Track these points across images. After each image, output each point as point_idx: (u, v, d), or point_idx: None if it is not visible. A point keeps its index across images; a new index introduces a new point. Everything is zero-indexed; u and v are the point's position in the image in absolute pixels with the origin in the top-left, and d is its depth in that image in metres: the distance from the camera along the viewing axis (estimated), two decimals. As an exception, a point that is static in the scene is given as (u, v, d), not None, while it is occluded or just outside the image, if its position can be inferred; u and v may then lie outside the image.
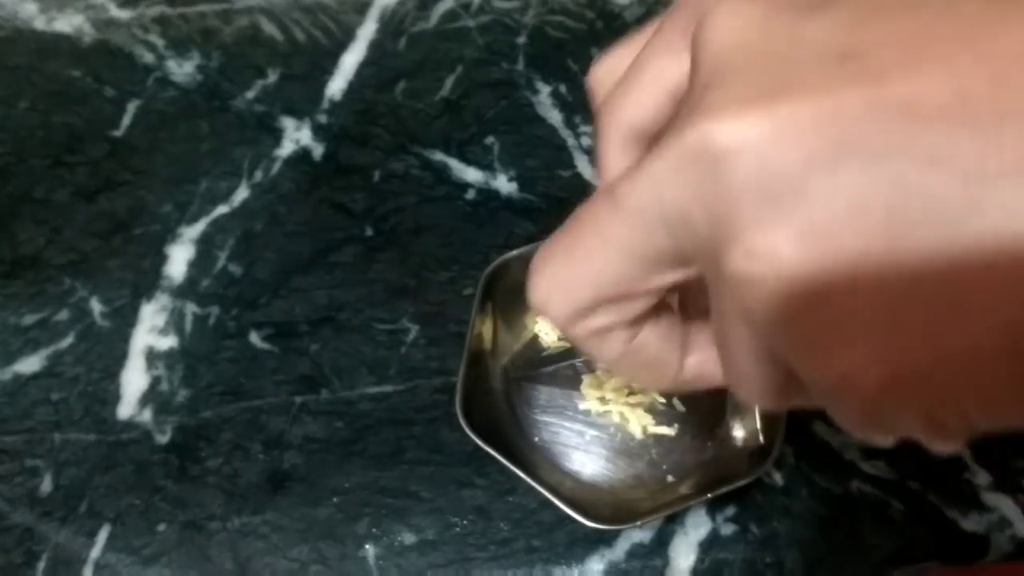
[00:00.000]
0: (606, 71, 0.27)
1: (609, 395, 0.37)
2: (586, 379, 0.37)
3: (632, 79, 0.25)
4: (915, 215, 0.13)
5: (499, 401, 0.37)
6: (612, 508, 0.34)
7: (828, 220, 0.14)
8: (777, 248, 0.14)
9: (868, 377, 0.14)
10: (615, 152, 0.26)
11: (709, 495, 0.33)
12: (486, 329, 0.38)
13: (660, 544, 0.36)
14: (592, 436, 0.37)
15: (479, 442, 0.33)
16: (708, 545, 0.36)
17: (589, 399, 0.37)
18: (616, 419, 0.37)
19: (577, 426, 0.37)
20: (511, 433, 0.37)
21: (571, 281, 0.19)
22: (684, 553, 0.36)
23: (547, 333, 0.38)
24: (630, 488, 0.36)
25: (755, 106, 0.15)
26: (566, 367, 0.36)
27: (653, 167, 0.16)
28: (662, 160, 0.16)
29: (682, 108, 0.17)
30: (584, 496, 0.34)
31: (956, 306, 0.13)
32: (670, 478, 0.36)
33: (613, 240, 0.18)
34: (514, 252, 0.38)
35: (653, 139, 0.26)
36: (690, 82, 0.17)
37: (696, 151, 0.15)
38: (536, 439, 0.37)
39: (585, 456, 0.37)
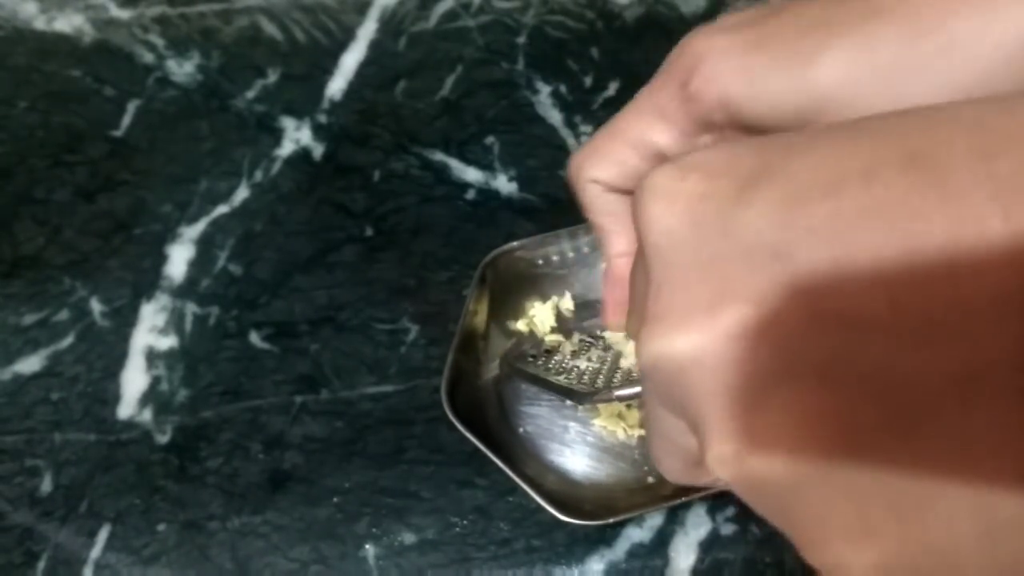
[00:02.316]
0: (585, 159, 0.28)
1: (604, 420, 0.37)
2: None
3: (608, 135, 0.27)
4: (870, 421, 0.13)
5: (487, 391, 0.38)
6: (591, 504, 0.34)
7: (787, 429, 0.14)
8: (741, 457, 0.14)
9: (855, 569, 0.14)
10: (598, 206, 0.28)
11: (683, 499, 0.33)
12: (480, 319, 0.38)
13: (660, 544, 0.36)
14: (577, 432, 0.37)
15: (460, 427, 0.34)
16: (708, 545, 0.36)
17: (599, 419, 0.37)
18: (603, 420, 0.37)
19: (563, 421, 0.37)
20: (497, 423, 0.37)
21: None
22: (684, 553, 0.36)
23: (542, 322, 0.38)
24: (611, 486, 0.36)
25: (698, 318, 0.15)
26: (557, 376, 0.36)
27: (639, 356, 0.17)
28: (639, 361, 0.17)
29: (642, 303, 0.17)
30: (564, 490, 0.35)
31: (925, 500, 0.13)
32: (651, 479, 0.36)
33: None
34: (513, 244, 0.38)
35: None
36: (645, 269, 0.17)
37: (651, 363, 0.16)
38: (521, 430, 0.37)
39: (569, 451, 0.37)
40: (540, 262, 0.39)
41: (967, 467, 0.13)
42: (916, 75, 0.22)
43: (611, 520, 0.33)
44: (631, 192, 0.27)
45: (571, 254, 0.39)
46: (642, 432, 0.37)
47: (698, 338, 0.15)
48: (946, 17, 0.21)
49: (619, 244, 0.29)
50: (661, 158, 0.26)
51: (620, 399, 0.28)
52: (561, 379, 0.33)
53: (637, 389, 0.27)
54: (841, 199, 0.14)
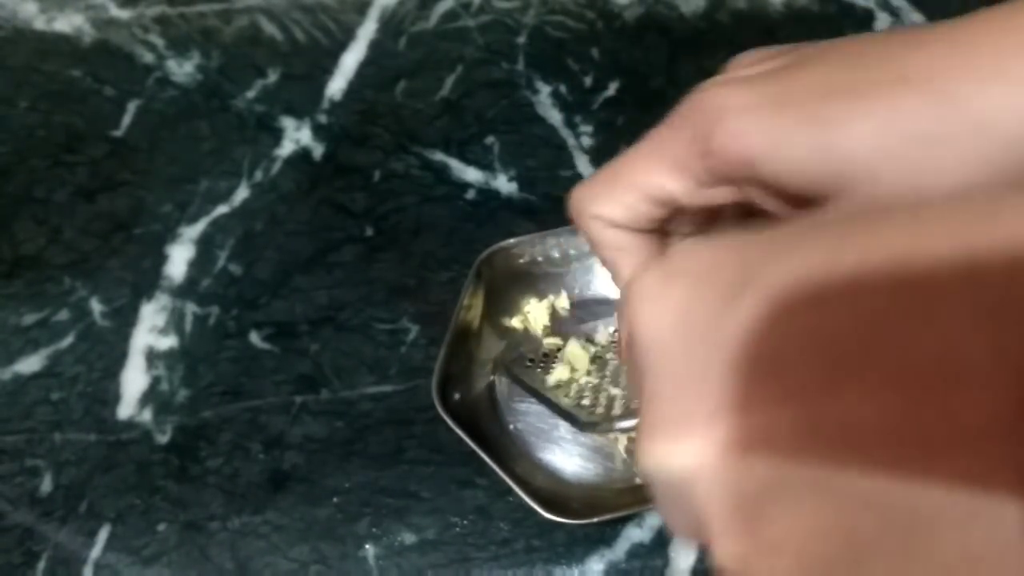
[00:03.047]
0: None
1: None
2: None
3: (613, 175, 0.26)
4: (870, 534, 0.13)
5: (480, 388, 0.38)
6: (579, 503, 0.34)
7: (789, 539, 0.14)
8: (748, 560, 0.15)
9: None
10: (604, 238, 0.27)
11: None
12: (474, 315, 0.38)
13: (660, 544, 0.36)
14: (567, 430, 0.37)
15: (449, 422, 0.34)
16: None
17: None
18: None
19: (554, 419, 0.37)
20: (488, 420, 0.37)
21: None
22: (684, 553, 0.36)
23: (536, 320, 0.38)
24: (599, 485, 0.36)
25: (693, 432, 0.15)
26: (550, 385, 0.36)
27: (639, 462, 0.17)
28: (640, 467, 0.18)
29: (640, 400, 0.18)
30: (553, 488, 0.35)
31: None
32: (639, 479, 0.36)
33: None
34: (510, 240, 0.38)
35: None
36: (639, 367, 0.18)
37: (651, 471, 0.16)
38: (512, 427, 0.37)
39: (559, 449, 0.37)
40: (539, 259, 0.39)
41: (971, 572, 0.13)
42: (943, 147, 0.21)
43: (595, 519, 0.33)
44: (635, 229, 0.27)
45: (571, 251, 0.39)
46: (624, 440, 0.37)
47: (694, 452, 0.15)
48: (976, 89, 0.21)
49: (627, 277, 0.28)
50: (670, 204, 0.26)
51: (622, 431, 0.28)
52: (560, 395, 0.33)
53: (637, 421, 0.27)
54: (824, 312, 0.14)
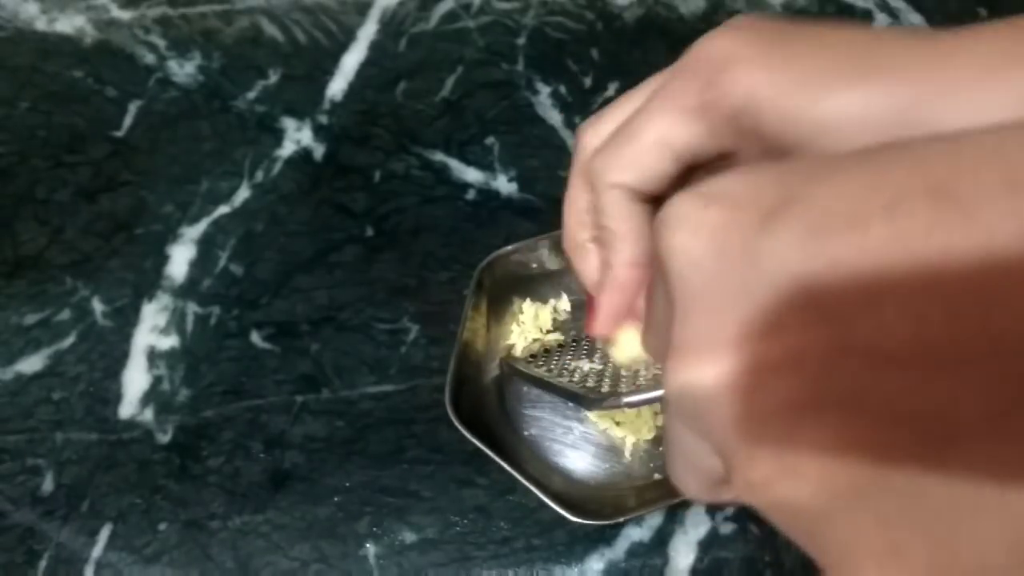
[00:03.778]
0: (595, 133, 0.28)
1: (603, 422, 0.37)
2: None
3: (633, 140, 0.26)
4: (899, 450, 0.13)
5: (490, 395, 0.38)
6: (598, 504, 0.34)
7: (816, 457, 0.14)
8: (770, 484, 0.15)
9: None
10: (620, 213, 0.27)
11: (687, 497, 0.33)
12: (479, 323, 0.38)
13: (660, 543, 0.36)
14: (580, 432, 0.37)
15: (466, 433, 0.34)
16: (708, 544, 0.36)
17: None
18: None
19: (566, 422, 0.37)
20: (500, 427, 0.37)
21: None
22: (684, 552, 0.36)
23: (539, 321, 0.38)
24: (616, 485, 0.36)
25: (726, 349, 0.15)
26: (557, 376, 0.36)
27: (666, 384, 0.17)
28: (666, 390, 0.17)
29: (666, 328, 0.17)
30: (571, 491, 0.35)
31: (955, 526, 0.13)
32: (656, 476, 0.36)
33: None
34: (509, 247, 0.38)
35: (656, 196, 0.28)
36: (668, 294, 0.17)
37: (678, 391, 0.16)
38: (526, 433, 0.37)
39: (573, 452, 0.37)
40: (535, 265, 0.39)
41: (998, 494, 0.13)
42: (933, 124, 0.22)
43: (621, 519, 0.33)
44: (651, 199, 0.27)
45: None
46: (633, 438, 0.37)
47: (726, 368, 0.15)
48: (968, 83, 0.22)
49: (629, 252, 0.28)
50: (686, 159, 0.26)
51: (629, 406, 0.28)
52: (565, 381, 0.33)
53: (645, 396, 0.27)
54: (866, 231, 0.14)
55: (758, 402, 0.15)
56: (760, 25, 0.24)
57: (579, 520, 0.33)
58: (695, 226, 0.16)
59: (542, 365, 0.36)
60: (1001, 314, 0.13)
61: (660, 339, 0.19)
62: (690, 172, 0.27)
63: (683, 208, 0.17)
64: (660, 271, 0.18)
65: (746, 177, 0.17)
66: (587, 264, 0.29)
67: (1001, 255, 0.13)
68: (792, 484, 0.14)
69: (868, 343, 0.14)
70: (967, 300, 0.13)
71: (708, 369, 0.15)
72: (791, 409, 0.14)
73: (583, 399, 0.30)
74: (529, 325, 0.39)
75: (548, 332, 0.39)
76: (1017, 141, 0.14)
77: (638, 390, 0.28)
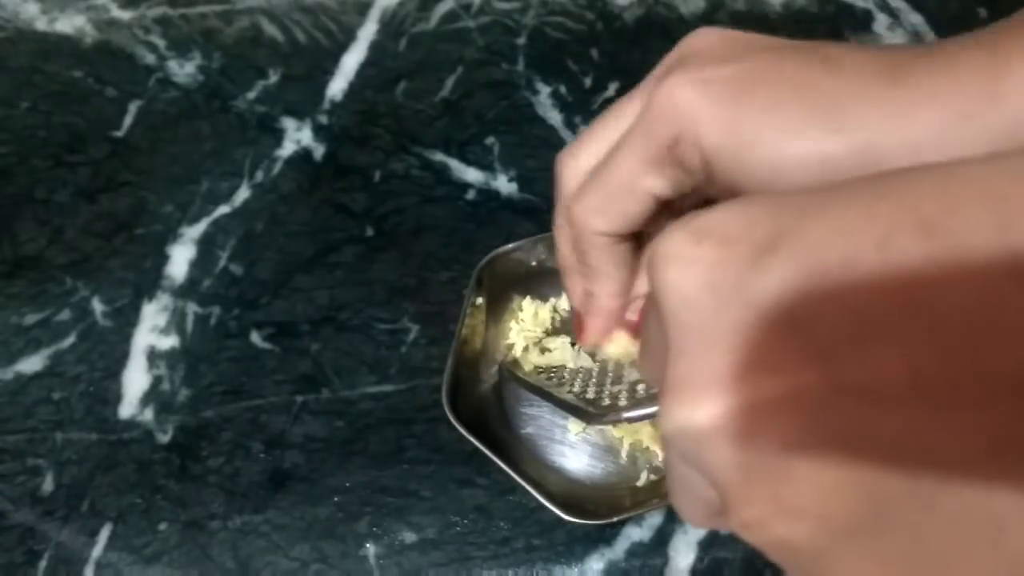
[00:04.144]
0: (575, 167, 0.30)
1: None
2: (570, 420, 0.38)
3: (611, 188, 0.28)
4: (894, 492, 0.13)
5: (487, 394, 0.38)
6: (594, 504, 0.34)
7: (811, 498, 0.14)
8: (766, 524, 0.15)
9: None
10: (600, 256, 0.29)
11: None
12: (477, 323, 0.38)
13: (660, 543, 0.36)
14: (577, 433, 0.37)
15: (463, 431, 0.34)
16: (707, 544, 0.36)
17: (576, 422, 0.37)
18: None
19: (564, 422, 0.37)
20: (498, 425, 0.37)
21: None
22: (684, 552, 0.36)
23: (538, 322, 0.39)
24: (613, 485, 0.36)
25: (720, 389, 0.15)
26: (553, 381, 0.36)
27: (662, 422, 0.17)
28: (662, 427, 0.17)
29: (663, 365, 0.17)
30: (567, 490, 0.35)
31: (952, 568, 0.13)
32: (653, 476, 0.36)
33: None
34: (508, 246, 0.38)
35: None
36: (663, 332, 0.18)
37: (674, 431, 0.16)
38: (523, 432, 0.37)
39: (570, 451, 0.37)
40: (535, 263, 0.39)
41: (993, 533, 0.13)
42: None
43: (615, 519, 0.33)
44: (630, 238, 0.29)
45: None
46: (630, 439, 0.37)
47: (720, 408, 0.15)
48: (885, 140, 0.23)
49: (609, 287, 0.30)
50: (659, 203, 0.28)
51: (629, 420, 0.28)
52: (564, 391, 0.33)
53: (645, 411, 0.27)
54: (857, 268, 0.14)
55: (752, 443, 0.15)
56: (721, 71, 0.25)
57: (575, 520, 0.33)
58: (687, 262, 0.17)
59: (542, 372, 0.36)
60: (992, 353, 0.13)
61: (655, 367, 0.19)
62: (668, 206, 0.29)
63: (675, 245, 0.17)
64: (655, 305, 0.18)
65: (737, 212, 0.17)
66: (574, 287, 0.31)
67: (991, 294, 0.13)
68: (788, 524, 0.14)
69: (861, 383, 0.14)
70: (958, 339, 0.13)
71: (702, 410, 0.15)
72: (785, 449, 0.14)
73: (582, 412, 0.30)
74: (529, 323, 0.39)
75: (547, 332, 0.39)
76: (1006, 172, 0.14)
77: (638, 404, 0.28)
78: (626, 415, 0.27)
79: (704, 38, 0.27)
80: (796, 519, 0.14)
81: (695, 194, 0.28)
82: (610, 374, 0.34)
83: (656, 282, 0.17)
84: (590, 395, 0.32)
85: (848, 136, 0.24)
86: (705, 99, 0.25)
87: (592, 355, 0.36)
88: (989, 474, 0.12)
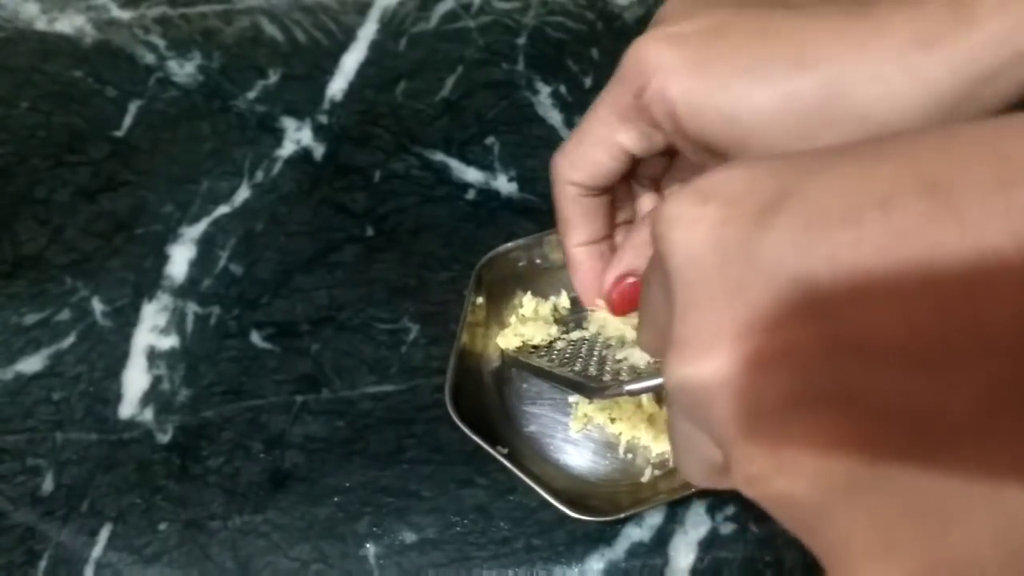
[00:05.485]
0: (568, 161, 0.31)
1: (597, 416, 0.37)
2: (575, 406, 0.38)
3: (583, 140, 0.29)
4: (892, 445, 0.13)
5: (490, 391, 0.38)
6: (598, 500, 0.34)
7: (811, 452, 0.14)
8: (767, 479, 0.15)
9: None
10: (570, 205, 0.31)
11: (689, 492, 0.34)
12: (478, 321, 0.38)
13: (660, 543, 0.36)
14: (579, 430, 0.37)
15: (465, 429, 0.34)
16: (708, 544, 0.36)
17: (577, 419, 0.37)
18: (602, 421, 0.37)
19: (566, 419, 0.37)
20: (500, 423, 0.37)
21: None
22: (684, 552, 0.36)
23: (535, 311, 0.39)
24: (615, 482, 0.36)
25: (723, 344, 0.15)
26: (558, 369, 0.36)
27: (666, 378, 0.17)
28: (665, 383, 0.17)
29: (664, 323, 0.17)
30: (570, 487, 0.35)
31: (948, 520, 0.13)
32: (656, 472, 0.36)
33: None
34: (507, 244, 0.38)
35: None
36: (667, 289, 0.18)
37: (678, 385, 0.16)
38: (525, 430, 0.37)
39: (573, 448, 0.37)
40: (538, 261, 0.39)
41: (990, 489, 0.13)
42: (825, 127, 0.24)
43: (621, 516, 0.33)
44: (602, 191, 0.31)
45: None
46: (628, 435, 0.37)
47: (723, 363, 0.15)
48: (857, 79, 0.23)
49: (579, 236, 0.32)
50: (628, 155, 0.29)
51: (631, 393, 0.28)
52: (567, 371, 0.33)
53: (646, 384, 0.27)
54: (860, 226, 0.14)
55: (754, 398, 0.15)
56: (688, 26, 0.26)
57: (579, 516, 0.33)
58: (693, 223, 0.17)
59: (543, 356, 0.36)
60: (990, 312, 0.13)
61: (657, 335, 0.19)
62: (637, 165, 0.30)
63: (681, 205, 0.17)
64: (659, 267, 0.18)
65: (742, 172, 0.17)
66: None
67: (991, 254, 0.13)
68: (788, 479, 0.14)
69: (860, 339, 0.14)
70: (957, 298, 0.13)
71: (706, 364, 0.15)
72: (786, 405, 0.14)
73: (585, 388, 0.30)
74: (529, 317, 0.39)
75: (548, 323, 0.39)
76: (1011, 135, 0.14)
77: (639, 378, 0.28)
78: (628, 388, 0.27)
79: (671, 3, 0.28)
80: (795, 474, 0.14)
81: (666, 155, 0.29)
82: (609, 353, 0.34)
83: (661, 241, 0.17)
84: (592, 372, 0.32)
85: (811, 70, 0.24)
86: (670, 49, 0.26)
87: (594, 346, 0.36)
88: (986, 430, 0.13)
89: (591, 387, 0.30)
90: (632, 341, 0.35)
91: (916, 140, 0.15)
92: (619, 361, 0.33)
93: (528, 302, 0.39)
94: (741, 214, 0.16)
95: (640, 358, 0.32)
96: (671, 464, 0.36)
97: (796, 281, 0.15)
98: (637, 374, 0.31)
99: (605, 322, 0.36)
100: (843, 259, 0.14)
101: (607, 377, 0.31)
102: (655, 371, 0.30)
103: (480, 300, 0.38)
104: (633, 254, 0.32)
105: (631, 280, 0.32)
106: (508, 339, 0.38)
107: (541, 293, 0.39)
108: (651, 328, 0.21)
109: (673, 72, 0.25)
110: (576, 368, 0.33)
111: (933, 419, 0.13)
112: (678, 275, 0.17)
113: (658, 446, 0.36)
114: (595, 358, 0.34)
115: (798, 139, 0.24)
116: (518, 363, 0.37)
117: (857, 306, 0.14)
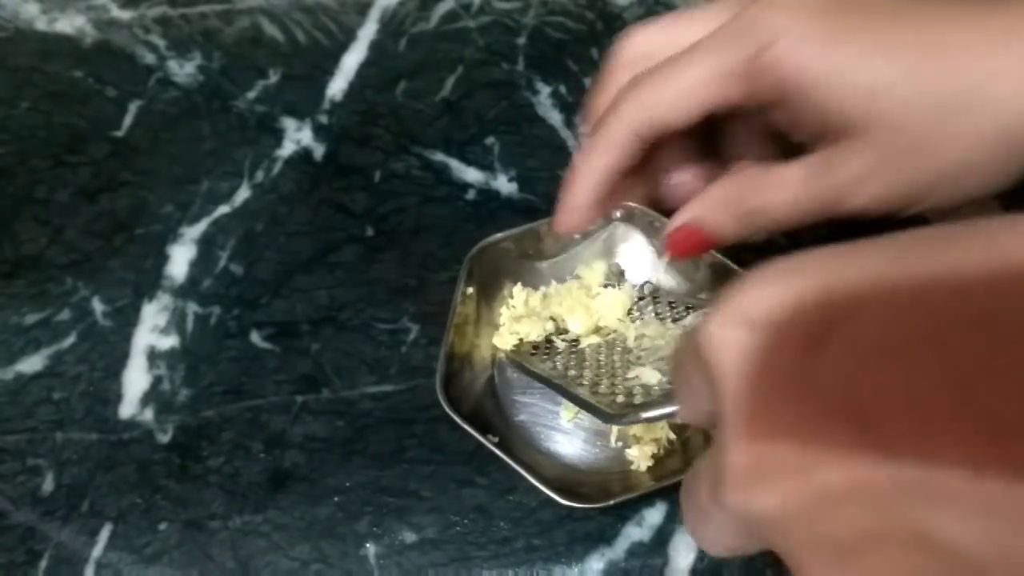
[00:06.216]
0: (643, 48, 0.30)
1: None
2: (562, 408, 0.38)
3: (676, 80, 0.27)
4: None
5: (480, 383, 0.38)
6: (588, 488, 0.35)
7: None
8: None
9: None
10: (617, 136, 0.29)
11: (678, 478, 0.34)
12: (469, 311, 0.38)
13: (660, 543, 0.36)
14: (569, 419, 0.37)
15: (456, 418, 0.34)
16: (708, 544, 0.36)
17: (568, 408, 0.37)
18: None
19: (556, 408, 0.38)
20: (491, 413, 0.37)
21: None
22: (684, 552, 0.36)
23: (525, 302, 0.39)
24: (606, 470, 0.36)
25: (788, 479, 0.15)
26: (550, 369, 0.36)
27: (726, 500, 0.17)
28: (727, 506, 0.17)
29: (717, 447, 0.17)
30: (561, 476, 0.35)
31: None
32: (648, 461, 0.36)
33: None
34: (498, 235, 0.38)
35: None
36: (718, 408, 0.18)
37: (740, 511, 0.16)
38: (516, 419, 0.37)
39: (563, 437, 0.37)
40: (529, 252, 0.39)
41: None
42: (960, 120, 0.23)
43: (611, 502, 0.33)
44: (650, 145, 0.29)
45: (560, 241, 0.39)
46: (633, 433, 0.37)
47: (791, 498, 0.15)
48: (995, 77, 0.23)
49: (600, 160, 0.31)
50: (709, 113, 0.27)
51: (649, 420, 0.28)
52: (578, 388, 0.33)
53: (662, 411, 0.27)
54: (912, 361, 0.14)
55: (822, 529, 0.15)
56: None
57: (571, 504, 0.33)
58: (740, 350, 0.17)
59: (546, 359, 0.36)
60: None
61: (699, 413, 0.20)
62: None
63: (726, 330, 0.17)
64: (703, 376, 0.18)
65: (786, 296, 0.17)
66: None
67: None
68: None
69: (925, 480, 0.14)
70: (1019, 440, 0.13)
71: (772, 497, 0.16)
72: (852, 536, 0.15)
73: (601, 412, 0.30)
74: (520, 309, 0.39)
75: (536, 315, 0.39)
76: None
77: (654, 402, 0.28)
78: (644, 415, 0.28)
79: None
80: None
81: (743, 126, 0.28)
82: (618, 361, 0.34)
83: (711, 366, 0.17)
84: (603, 388, 0.32)
85: (945, 58, 0.23)
86: (799, 16, 0.24)
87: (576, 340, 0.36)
88: None
89: (608, 413, 0.30)
90: (641, 357, 0.34)
91: (963, 254, 0.15)
92: (630, 379, 0.33)
93: (518, 293, 0.39)
94: (790, 342, 0.16)
95: (651, 376, 0.32)
96: (661, 452, 0.36)
97: (851, 417, 0.15)
98: (649, 395, 0.31)
99: (612, 331, 0.37)
100: (895, 396, 0.14)
101: (620, 398, 0.31)
102: (668, 393, 0.30)
103: (471, 291, 0.38)
104: (702, 207, 0.30)
105: (696, 228, 0.30)
106: (504, 339, 0.38)
107: (532, 283, 0.39)
108: (689, 398, 0.21)
109: (802, 39, 0.24)
110: (585, 381, 0.33)
111: (1005, 561, 0.13)
112: (728, 401, 0.17)
113: (649, 435, 0.36)
114: (603, 370, 0.34)
115: (927, 125, 0.23)
116: (521, 367, 0.37)
117: (917, 447, 0.14)
